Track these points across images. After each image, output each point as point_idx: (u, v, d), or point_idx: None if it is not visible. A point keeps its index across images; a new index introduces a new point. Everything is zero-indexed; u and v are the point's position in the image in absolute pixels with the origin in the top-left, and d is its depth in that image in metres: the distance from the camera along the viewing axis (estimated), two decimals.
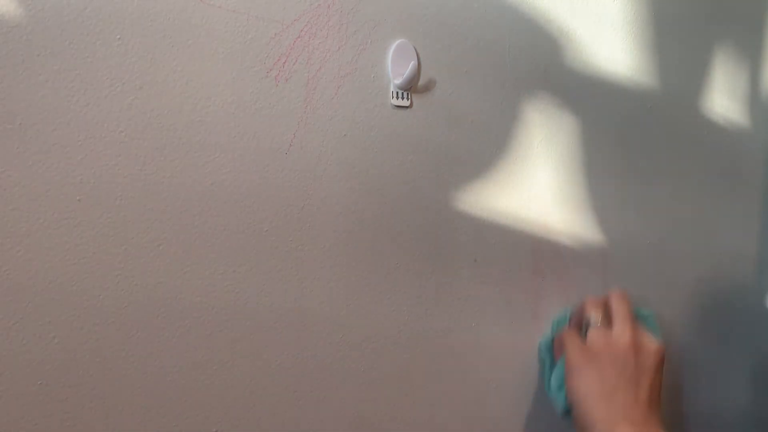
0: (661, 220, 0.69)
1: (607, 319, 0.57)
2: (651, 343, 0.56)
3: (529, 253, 0.60)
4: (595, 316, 0.57)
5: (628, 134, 0.66)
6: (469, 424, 0.58)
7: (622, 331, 0.56)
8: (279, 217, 0.48)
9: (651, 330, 0.60)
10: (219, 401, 0.47)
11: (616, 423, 0.52)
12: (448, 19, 0.54)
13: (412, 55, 0.53)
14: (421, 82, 0.54)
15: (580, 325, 0.58)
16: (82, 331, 0.42)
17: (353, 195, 0.51)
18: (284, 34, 0.47)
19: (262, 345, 0.48)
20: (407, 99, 0.53)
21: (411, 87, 0.53)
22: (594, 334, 0.56)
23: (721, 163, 0.74)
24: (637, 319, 0.58)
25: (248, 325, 0.47)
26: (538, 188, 0.60)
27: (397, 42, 0.52)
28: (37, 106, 0.40)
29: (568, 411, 0.56)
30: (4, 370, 0.40)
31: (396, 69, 0.52)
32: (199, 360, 0.46)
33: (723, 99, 0.73)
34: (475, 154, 0.56)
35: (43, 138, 0.40)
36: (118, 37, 0.42)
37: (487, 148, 0.57)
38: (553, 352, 0.60)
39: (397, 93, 0.52)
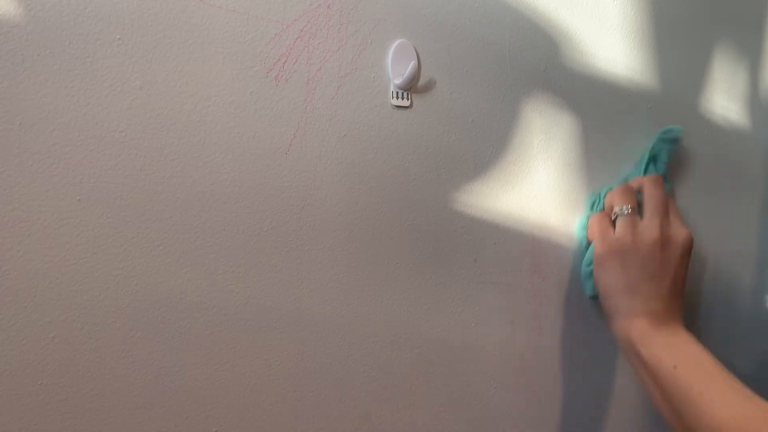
0: None
1: (639, 206, 0.57)
2: (679, 234, 0.55)
3: (529, 253, 0.60)
4: (625, 207, 0.56)
5: (627, 134, 0.66)
6: (470, 424, 0.58)
7: (650, 224, 0.55)
8: (279, 217, 0.48)
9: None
10: (219, 401, 0.47)
11: (636, 315, 0.53)
12: (448, 19, 0.54)
13: (412, 55, 0.53)
14: (421, 82, 0.54)
15: (612, 210, 0.57)
16: (82, 331, 0.42)
17: (353, 195, 0.51)
18: (284, 34, 0.47)
19: (262, 345, 0.48)
20: (407, 99, 0.53)
21: (411, 87, 0.53)
22: (621, 226, 0.55)
23: (720, 162, 0.74)
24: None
25: (248, 325, 0.47)
26: (538, 188, 0.60)
27: (397, 42, 0.52)
28: (37, 106, 0.40)
29: (594, 296, 0.57)
30: (4, 370, 0.40)
31: (396, 69, 0.52)
32: (199, 360, 0.46)
33: (723, 99, 0.73)
34: (475, 154, 0.56)
35: (43, 138, 0.40)
36: (118, 37, 0.42)
37: (487, 148, 0.57)
38: (587, 231, 0.60)
39: (397, 93, 0.52)
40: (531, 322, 0.61)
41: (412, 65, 0.51)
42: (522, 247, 0.60)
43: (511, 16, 0.58)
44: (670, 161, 0.63)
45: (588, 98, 0.63)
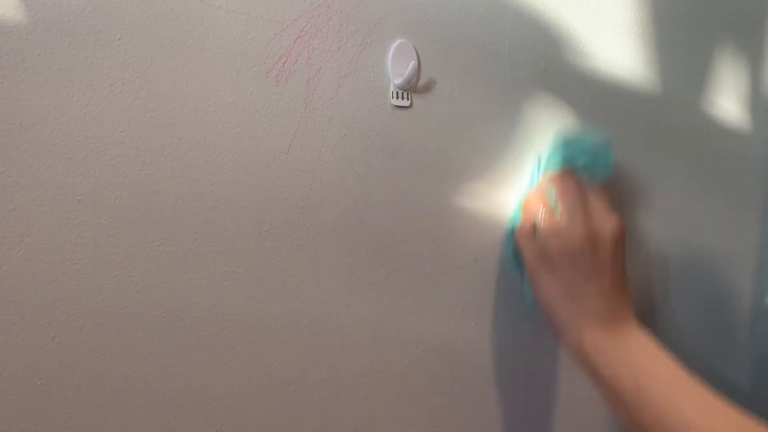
0: (660, 221, 0.69)
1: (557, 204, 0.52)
2: (605, 225, 0.51)
3: None
4: (541, 212, 0.52)
5: (627, 135, 0.66)
6: (470, 424, 0.58)
7: (571, 224, 0.51)
8: (279, 217, 0.48)
9: (600, 161, 0.54)
10: (219, 401, 0.47)
11: (585, 325, 0.50)
12: (448, 19, 0.54)
13: (412, 55, 0.53)
14: (421, 82, 0.54)
15: (530, 222, 0.54)
16: (82, 331, 0.42)
17: (353, 195, 0.51)
18: (284, 34, 0.47)
19: (262, 345, 0.48)
20: (407, 99, 0.53)
21: (411, 87, 0.53)
22: (544, 234, 0.51)
23: (721, 164, 0.74)
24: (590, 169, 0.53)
25: (248, 325, 0.47)
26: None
27: (397, 42, 0.52)
28: (37, 106, 0.40)
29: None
30: (4, 370, 0.40)
31: (396, 69, 0.52)
32: (199, 360, 0.46)
33: (723, 100, 0.73)
34: (476, 154, 0.56)
35: (43, 138, 0.40)
36: (118, 37, 0.42)
37: (487, 148, 0.57)
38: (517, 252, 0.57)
39: (397, 93, 0.52)
40: (531, 323, 0.61)
41: (412, 65, 0.51)
42: None
43: (511, 16, 0.58)
44: (573, 157, 0.56)
45: (588, 98, 0.63)
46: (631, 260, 0.67)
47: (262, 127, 0.47)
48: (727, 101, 0.74)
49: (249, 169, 0.47)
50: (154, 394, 0.44)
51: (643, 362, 0.49)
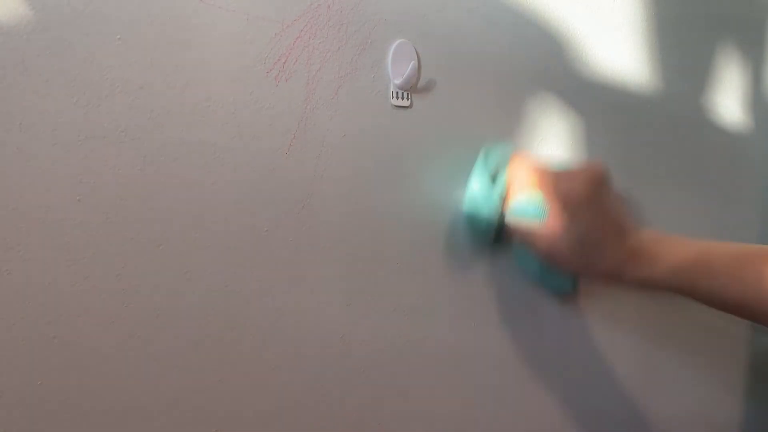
0: (661, 222, 0.69)
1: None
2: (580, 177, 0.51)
3: None
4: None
5: (628, 135, 0.66)
6: (469, 425, 0.58)
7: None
8: (279, 217, 0.48)
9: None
10: (219, 401, 0.47)
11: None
12: (449, 19, 0.54)
13: (412, 55, 0.53)
14: (421, 82, 0.54)
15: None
16: (82, 331, 0.42)
17: (353, 195, 0.51)
18: (284, 34, 0.47)
19: (262, 345, 0.48)
20: (407, 99, 0.53)
21: (411, 87, 0.53)
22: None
23: (721, 164, 0.74)
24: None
25: (248, 326, 0.47)
26: None
27: (397, 42, 0.52)
28: (37, 106, 0.40)
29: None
30: (4, 370, 0.40)
31: (396, 69, 0.52)
32: (199, 360, 0.46)
33: (724, 100, 0.73)
34: (476, 155, 0.56)
35: (43, 138, 0.40)
36: (118, 37, 0.42)
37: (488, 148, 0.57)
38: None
39: (397, 93, 0.52)
40: (532, 323, 0.61)
41: (412, 65, 0.51)
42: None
43: (511, 16, 0.58)
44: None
45: (588, 98, 0.63)
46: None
47: (262, 127, 0.47)
48: (727, 101, 0.74)
49: (249, 169, 0.47)
50: (154, 394, 0.44)
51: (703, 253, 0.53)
